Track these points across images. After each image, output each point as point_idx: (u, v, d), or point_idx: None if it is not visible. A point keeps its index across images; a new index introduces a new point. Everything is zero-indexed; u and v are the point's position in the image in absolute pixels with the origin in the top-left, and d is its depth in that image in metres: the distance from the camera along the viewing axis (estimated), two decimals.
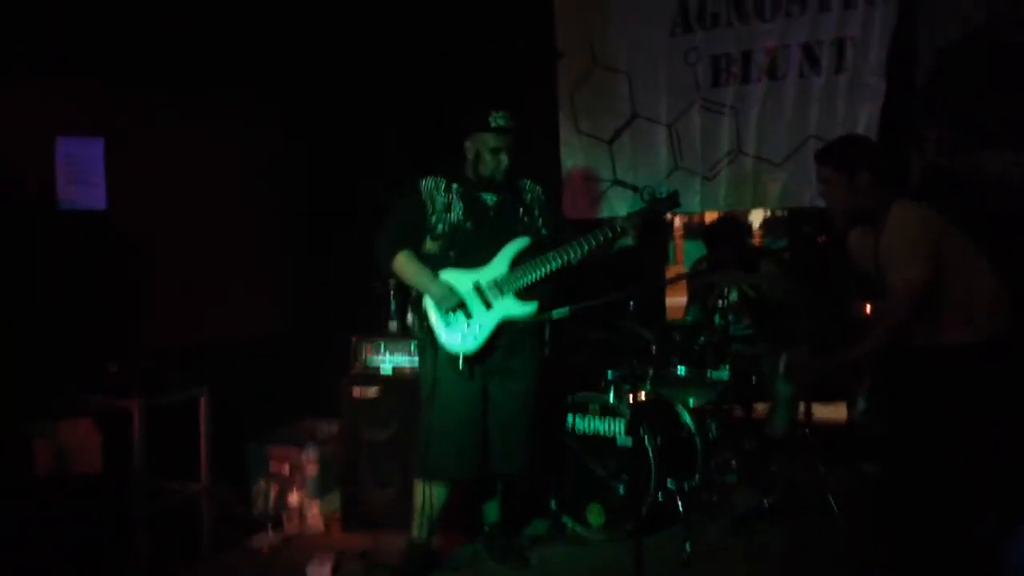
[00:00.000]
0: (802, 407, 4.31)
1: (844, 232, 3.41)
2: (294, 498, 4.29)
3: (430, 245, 3.59)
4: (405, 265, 3.57)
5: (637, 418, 3.93)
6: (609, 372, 4.18)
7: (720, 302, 4.29)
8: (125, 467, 3.70)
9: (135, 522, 3.68)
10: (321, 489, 4.33)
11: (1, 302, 3.69)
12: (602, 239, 3.52)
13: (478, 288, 3.53)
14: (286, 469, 4.33)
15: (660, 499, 3.85)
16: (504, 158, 3.53)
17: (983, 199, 4.06)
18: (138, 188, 4.20)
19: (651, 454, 3.84)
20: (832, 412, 4.79)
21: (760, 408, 4.55)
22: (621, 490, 3.89)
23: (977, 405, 3.01)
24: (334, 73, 5.07)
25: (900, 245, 3.08)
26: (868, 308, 3.85)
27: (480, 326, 3.51)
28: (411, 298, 3.66)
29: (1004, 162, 4.03)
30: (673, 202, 3.71)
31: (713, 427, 4.19)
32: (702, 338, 4.28)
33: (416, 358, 3.89)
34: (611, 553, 3.83)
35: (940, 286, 3.03)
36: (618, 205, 4.94)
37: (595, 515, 3.98)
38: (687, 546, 3.68)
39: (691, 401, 4.22)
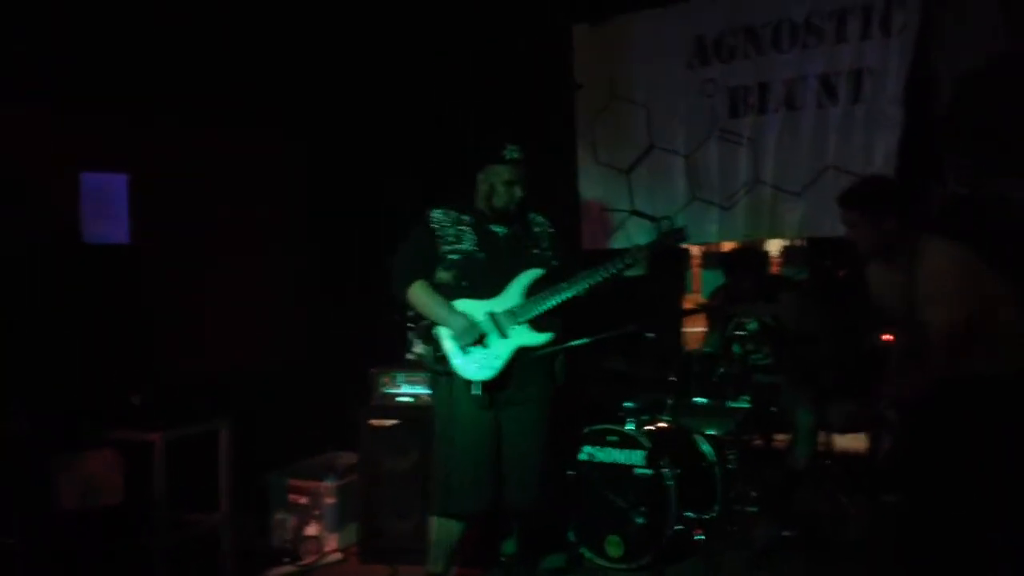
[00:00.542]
0: (823, 438, 4.28)
1: (863, 263, 3.39)
2: (313, 530, 4.30)
3: (442, 275, 3.61)
4: (421, 295, 3.58)
5: (656, 448, 3.91)
6: (628, 402, 4.17)
7: (740, 332, 4.28)
8: (146, 498, 3.73)
9: (155, 553, 3.71)
10: (340, 521, 4.34)
11: (26, 334, 3.74)
12: (613, 271, 3.52)
13: (493, 317, 3.54)
14: (305, 501, 4.35)
15: (679, 530, 3.83)
16: (517, 190, 3.56)
17: (1005, 228, 4.03)
18: (161, 222, 4.27)
19: (670, 485, 3.82)
20: (853, 443, 4.74)
21: (780, 439, 4.52)
22: (640, 521, 3.87)
23: (1001, 437, 2.98)
24: (357, 110, 5.15)
25: (937, 290, 3.05)
26: (887, 337, 3.83)
27: (497, 355, 3.52)
28: (419, 328, 3.65)
29: None
30: (679, 236, 3.71)
31: (733, 458, 4.17)
32: (721, 368, 4.27)
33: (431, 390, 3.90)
34: None
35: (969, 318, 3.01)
36: (636, 235, 4.94)
37: (614, 546, 3.96)
38: None
39: (710, 431, 4.20)
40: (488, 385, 3.51)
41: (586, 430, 4.10)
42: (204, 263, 4.48)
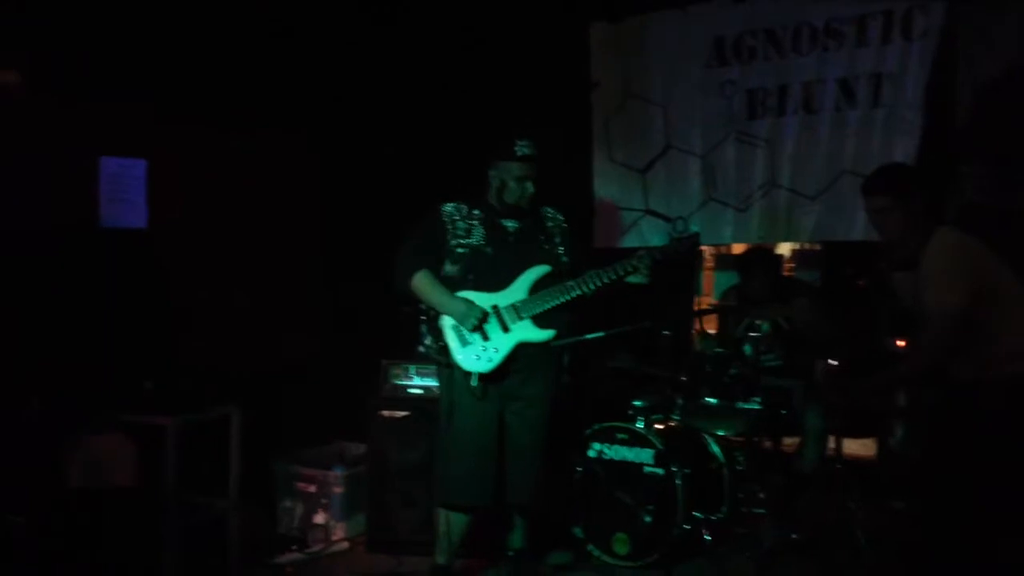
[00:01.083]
0: (832, 442, 4.28)
1: (890, 270, 3.36)
2: (320, 518, 4.31)
3: (449, 268, 3.61)
4: (423, 284, 3.58)
5: (666, 447, 3.92)
6: (638, 400, 4.17)
7: (752, 333, 4.28)
8: (157, 482, 3.74)
9: (165, 537, 3.72)
10: (347, 510, 4.35)
11: (41, 315, 3.76)
12: (615, 276, 3.52)
13: (496, 310, 3.55)
14: (313, 489, 4.36)
15: (687, 530, 3.83)
16: (529, 186, 3.57)
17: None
18: (178, 210, 4.28)
19: (679, 484, 3.83)
20: (862, 448, 4.74)
21: (789, 442, 4.52)
22: (647, 519, 3.88)
23: (1016, 442, 2.96)
24: (371, 105, 5.16)
25: (936, 270, 3.01)
26: (901, 343, 3.82)
27: (496, 348, 3.53)
28: (427, 318, 3.66)
29: None
30: (693, 243, 3.71)
31: (742, 459, 4.17)
32: (733, 369, 4.27)
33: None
34: None
35: (981, 317, 2.96)
36: (650, 235, 4.94)
37: (621, 544, 3.96)
38: None
39: (720, 432, 4.20)
40: (486, 377, 3.52)
41: (596, 427, 4.10)
42: (220, 251, 4.49)
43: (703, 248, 5.85)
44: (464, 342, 3.53)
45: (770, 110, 4.61)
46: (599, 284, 3.51)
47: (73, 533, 3.57)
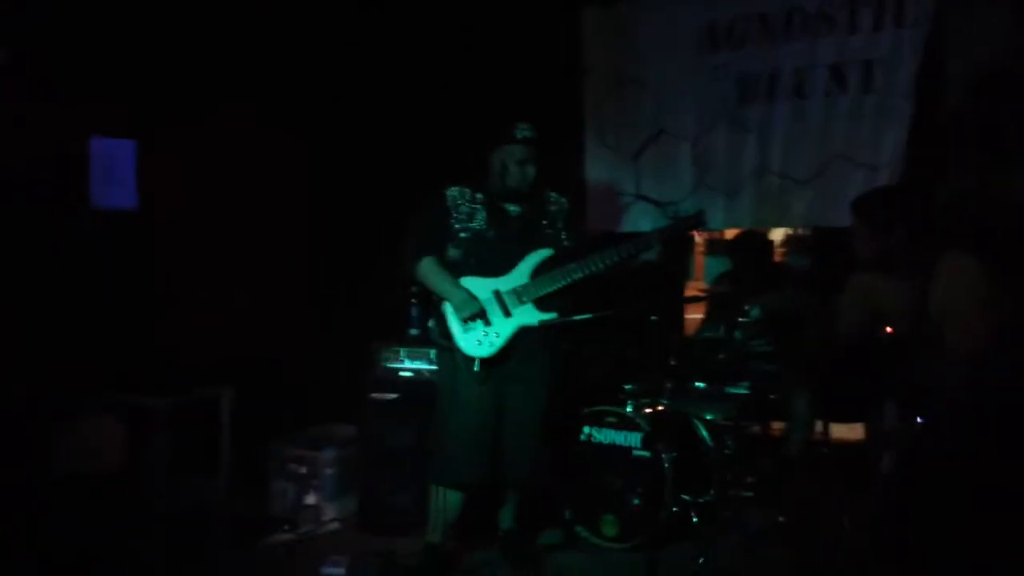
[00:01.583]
0: (819, 426, 4.30)
1: (854, 268, 3.33)
2: (311, 499, 4.33)
3: (452, 252, 3.64)
4: (429, 271, 3.62)
5: (654, 431, 3.94)
6: (627, 384, 4.19)
7: (743, 319, 4.29)
8: (147, 463, 3.75)
9: (155, 518, 3.74)
10: (338, 491, 4.38)
11: (30, 297, 3.75)
12: (626, 255, 3.55)
13: (498, 295, 3.57)
14: (304, 470, 4.38)
15: (674, 512, 3.86)
16: (530, 169, 3.58)
17: (1012, 226, 4.03)
18: (169, 190, 4.27)
19: (667, 467, 3.85)
20: (849, 432, 4.76)
21: (777, 427, 4.55)
22: (636, 502, 3.91)
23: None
24: (361, 90, 5.14)
25: (956, 310, 2.93)
26: (889, 329, 3.83)
27: (498, 333, 3.55)
28: (434, 303, 3.70)
29: None
30: (699, 220, 3.74)
31: (730, 443, 4.20)
32: (722, 354, 4.29)
33: (435, 364, 3.93)
34: (624, 563, 3.85)
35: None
36: (641, 219, 4.96)
37: (609, 526, 3.99)
38: (700, 560, 3.69)
39: (709, 416, 4.22)
40: (487, 362, 3.55)
41: (585, 410, 4.13)
42: (211, 233, 4.49)
43: (694, 233, 5.85)
44: (466, 327, 3.56)
45: (761, 95, 4.61)
46: (605, 265, 3.54)
47: (63, 517, 3.58)
